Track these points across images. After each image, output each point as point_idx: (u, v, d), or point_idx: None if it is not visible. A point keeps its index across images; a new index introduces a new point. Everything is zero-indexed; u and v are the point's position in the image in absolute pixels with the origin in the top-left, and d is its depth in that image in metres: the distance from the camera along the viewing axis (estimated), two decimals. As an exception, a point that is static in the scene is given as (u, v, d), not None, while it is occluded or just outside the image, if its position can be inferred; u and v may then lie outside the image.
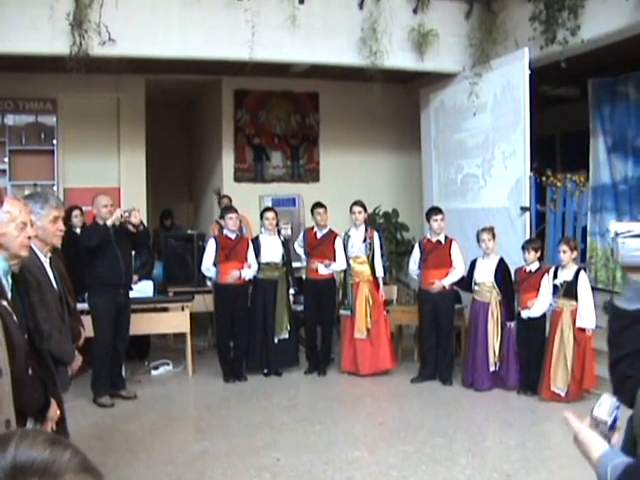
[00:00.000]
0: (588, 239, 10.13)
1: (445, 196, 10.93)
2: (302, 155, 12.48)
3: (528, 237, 9.01)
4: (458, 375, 8.81)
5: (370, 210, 11.92)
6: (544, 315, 8.00)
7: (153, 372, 9.36)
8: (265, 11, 9.39)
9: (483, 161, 10.08)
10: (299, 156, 12.46)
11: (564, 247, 7.74)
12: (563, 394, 7.69)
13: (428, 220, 8.98)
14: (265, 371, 9.15)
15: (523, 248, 8.16)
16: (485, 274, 8.39)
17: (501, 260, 8.41)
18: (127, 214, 7.93)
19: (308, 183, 12.41)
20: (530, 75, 9.28)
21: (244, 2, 9.30)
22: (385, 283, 9.92)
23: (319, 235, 9.31)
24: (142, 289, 9.21)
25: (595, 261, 9.98)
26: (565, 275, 7.74)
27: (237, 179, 12.20)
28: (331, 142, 12.46)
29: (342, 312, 9.26)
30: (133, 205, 9.08)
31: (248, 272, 8.95)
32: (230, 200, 10.85)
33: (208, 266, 9.00)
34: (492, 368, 8.32)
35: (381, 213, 12.28)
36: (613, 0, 8.36)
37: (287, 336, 9.21)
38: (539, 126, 9.70)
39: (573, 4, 8.96)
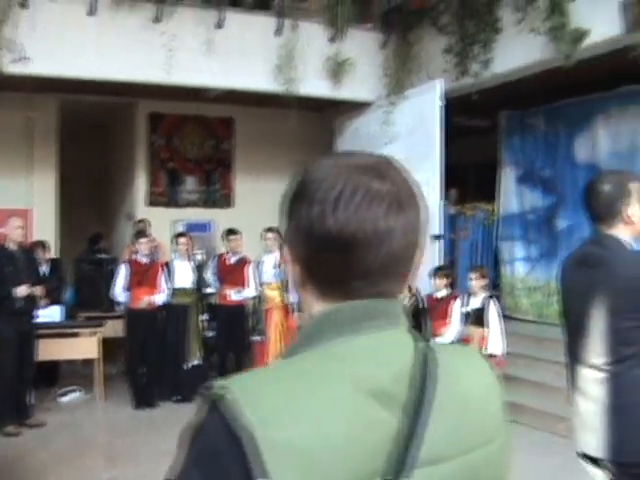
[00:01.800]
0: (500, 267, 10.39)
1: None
2: (216, 180, 12.44)
3: (440, 264, 9.15)
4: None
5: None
6: (455, 341, 8.11)
7: (62, 399, 9.15)
8: (182, 35, 9.40)
9: (396, 190, 10.18)
10: (213, 181, 12.43)
11: (473, 275, 7.89)
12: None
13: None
14: (176, 397, 9.04)
15: (432, 275, 8.28)
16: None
17: (413, 287, 8.48)
18: None
19: (222, 208, 12.37)
20: (443, 106, 9.48)
21: (161, 25, 9.29)
22: (300, 310, 9.90)
23: (231, 261, 9.30)
24: (50, 314, 9.01)
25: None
26: (475, 302, 7.88)
27: (151, 203, 12.08)
28: (246, 168, 12.46)
29: (254, 338, 9.24)
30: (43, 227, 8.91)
31: (160, 297, 8.86)
32: (147, 225, 10.73)
33: (119, 291, 8.89)
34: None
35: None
36: (524, 36, 8.63)
37: (198, 362, 9.13)
38: (452, 156, 9.91)
39: (486, 38, 9.23)
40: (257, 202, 12.08)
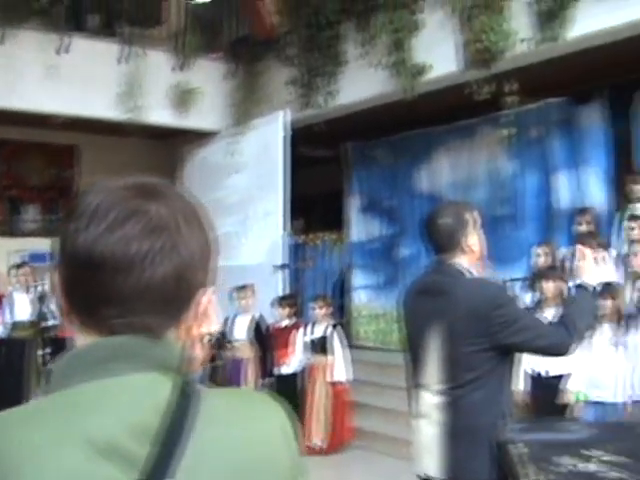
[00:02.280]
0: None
1: (206, 254, 10.90)
2: (59, 209, 12.08)
3: (284, 294, 9.20)
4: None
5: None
6: (300, 370, 8.15)
7: None
8: (25, 59, 9.13)
9: (242, 219, 10.22)
10: (56, 210, 12.06)
11: (316, 304, 7.97)
12: (320, 448, 7.83)
13: None
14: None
15: (276, 304, 8.31)
16: (242, 331, 8.44)
17: (259, 316, 8.50)
18: None
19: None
20: (288, 137, 9.57)
21: (3, 48, 9.01)
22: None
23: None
24: None
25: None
26: (318, 331, 7.95)
27: (-11, 233, 11.62)
28: (91, 196, 12.13)
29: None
30: None
31: (-3, 330, 8.52)
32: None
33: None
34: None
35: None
36: (367, 69, 8.85)
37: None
38: (299, 186, 10.01)
39: (330, 71, 9.40)
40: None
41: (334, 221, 11.83)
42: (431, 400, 3.18)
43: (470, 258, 3.25)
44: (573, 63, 7.50)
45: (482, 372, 3.07)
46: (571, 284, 6.46)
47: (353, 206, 11.28)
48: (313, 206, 12.29)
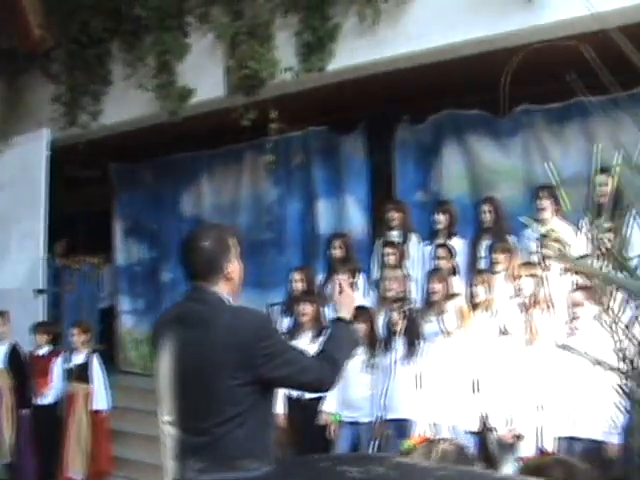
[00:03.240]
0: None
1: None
2: None
3: (43, 320, 8.83)
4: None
5: None
6: (58, 400, 7.84)
7: None
8: None
9: (-1, 240, 9.74)
10: None
11: (75, 330, 7.71)
12: (79, 478, 7.55)
13: None
14: None
15: (33, 331, 7.96)
16: (-2, 359, 8.03)
17: (14, 345, 8.08)
18: None
19: None
20: (51, 155, 9.24)
21: None
22: None
23: None
24: None
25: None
26: (78, 358, 7.69)
27: None
28: None
29: None
30: None
31: None
32: None
33: None
34: (6, 460, 7.89)
35: None
36: (133, 90, 8.73)
37: None
38: (64, 206, 9.67)
39: (95, 90, 9.19)
40: None
41: (103, 244, 11.55)
42: (185, 440, 2.95)
43: (230, 286, 3.09)
44: (334, 93, 7.77)
45: (245, 407, 2.88)
46: (327, 310, 6.68)
47: (118, 229, 11.06)
48: (79, 228, 11.93)
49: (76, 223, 11.97)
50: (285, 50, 7.60)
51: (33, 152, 9.33)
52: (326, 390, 3.25)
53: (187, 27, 8.41)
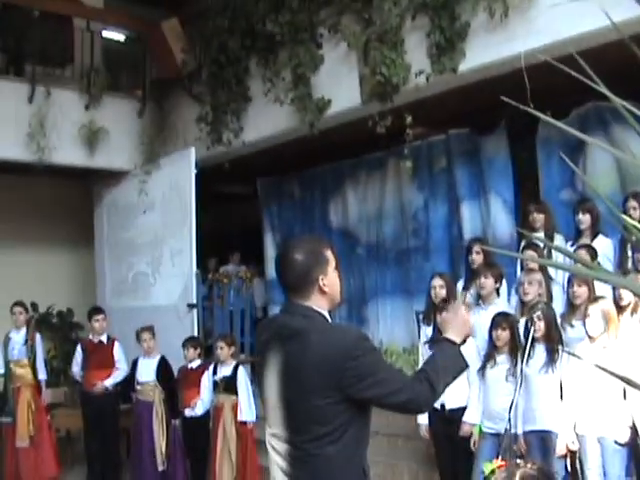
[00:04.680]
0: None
1: (117, 294, 10.78)
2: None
3: (196, 333, 9.09)
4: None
5: (43, 310, 11.53)
6: (208, 412, 8.01)
7: None
8: None
9: (152, 259, 10.10)
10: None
11: (221, 343, 7.84)
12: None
13: (89, 320, 8.79)
14: None
15: (183, 346, 8.18)
16: (147, 373, 8.30)
17: (162, 358, 8.36)
18: None
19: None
20: (199, 174, 9.50)
21: None
22: (57, 385, 9.61)
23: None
24: None
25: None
26: (224, 371, 7.83)
27: None
28: (4, 238, 11.87)
29: (2, 420, 8.73)
30: None
31: None
32: None
33: None
34: (160, 467, 8.18)
35: (55, 312, 11.84)
36: (271, 105, 8.85)
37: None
38: (215, 223, 9.94)
39: (236, 108, 9.39)
40: (13, 275, 11.54)
41: (256, 257, 11.81)
42: (284, 453, 2.93)
43: (327, 300, 3.00)
44: (471, 94, 7.57)
45: (336, 425, 2.82)
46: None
47: (269, 242, 11.24)
48: (231, 242, 12.23)
49: (230, 238, 12.27)
50: (416, 54, 7.48)
51: (181, 171, 9.63)
52: (420, 412, 3.11)
53: (319, 39, 8.44)
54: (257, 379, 3.20)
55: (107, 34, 11.11)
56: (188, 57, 9.86)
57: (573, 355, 5.76)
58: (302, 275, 2.94)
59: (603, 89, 1.50)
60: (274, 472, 3.03)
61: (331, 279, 2.99)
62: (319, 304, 2.97)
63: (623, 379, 1.75)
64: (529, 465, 2.24)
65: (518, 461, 2.28)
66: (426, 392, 2.90)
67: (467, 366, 3.09)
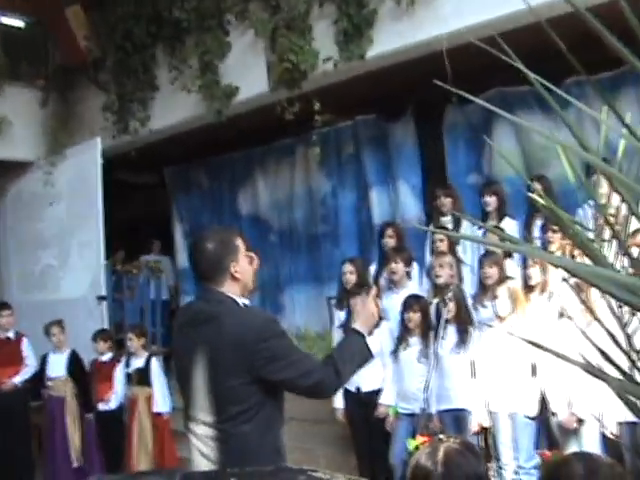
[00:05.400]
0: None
1: (25, 289, 10.52)
2: None
3: (107, 326, 8.96)
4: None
5: None
6: (122, 405, 7.91)
7: None
8: None
9: (60, 251, 9.89)
10: None
11: (131, 335, 7.76)
12: None
13: None
14: None
15: (93, 339, 8.05)
16: (58, 368, 8.13)
17: (73, 352, 8.21)
18: None
19: None
20: (106, 164, 9.34)
21: None
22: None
23: None
24: None
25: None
26: (137, 363, 7.74)
27: None
28: None
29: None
30: None
31: None
32: None
33: None
34: (75, 464, 8.05)
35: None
36: (179, 93, 8.74)
37: None
38: (123, 213, 9.77)
39: (143, 96, 9.26)
40: None
41: (166, 247, 11.68)
42: (202, 433, 3.05)
43: (239, 286, 3.15)
44: (378, 81, 7.64)
45: (250, 405, 2.97)
46: (381, 302, 6.56)
47: (178, 231, 11.13)
48: (140, 233, 12.06)
49: (139, 228, 12.10)
50: (324, 41, 7.51)
51: (87, 162, 9.46)
52: (326, 396, 3.25)
53: (227, 26, 8.39)
54: (174, 364, 3.31)
55: (6, 20, 10.75)
56: (92, 44, 9.63)
57: (487, 325, 5.86)
58: (214, 263, 3.10)
59: (519, 65, 1.55)
60: (195, 457, 3.13)
61: (242, 266, 3.15)
62: (232, 290, 3.11)
63: (535, 344, 1.82)
64: (452, 440, 2.31)
65: (441, 436, 2.34)
66: (333, 377, 3.04)
67: (372, 357, 3.25)
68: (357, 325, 3.22)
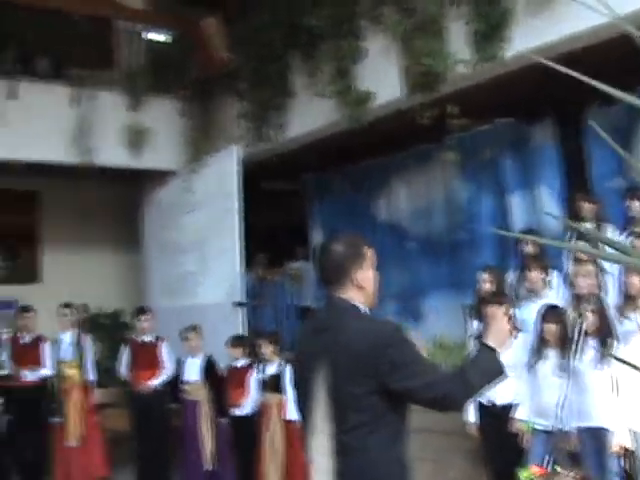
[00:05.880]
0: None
1: (166, 294, 10.78)
2: (20, 255, 11.92)
3: (244, 332, 9.06)
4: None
5: (94, 310, 11.61)
6: (255, 411, 7.96)
7: None
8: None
9: (199, 258, 10.09)
10: (17, 256, 11.90)
11: (264, 342, 7.80)
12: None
13: (136, 320, 8.82)
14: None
15: (228, 345, 8.14)
16: (193, 373, 8.29)
17: (208, 358, 8.35)
18: None
19: (27, 284, 11.81)
20: (245, 171, 9.47)
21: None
22: (107, 386, 9.67)
23: (24, 340, 8.86)
24: None
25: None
26: (270, 369, 7.77)
27: (-50, 281, 11.46)
28: (54, 241, 11.98)
29: (52, 420, 8.80)
30: None
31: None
32: None
33: None
34: (208, 467, 8.17)
35: (105, 313, 11.89)
36: (314, 100, 8.75)
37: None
38: (262, 220, 9.86)
39: (279, 104, 9.32)
40: (66, 276, 11.65)
41: (305, 254, 11.71)
42: (320, 446, 2.87)
43: (362, 295, 3.02)
44: (516, 82, 7.37)
45: (372, 415, 2.83)
46: (517, 312, 6.31)
47: (316, 238, 11.14)
48: (279, 240, 12.15)
49: (276, 235, 12.19)
50: (458, 42, 7.31)
51: (225, 169, 9.61)
52: (452, 410, 3.03)
53: (361, 31, 8.31)
54: (293, 373, 3.26)
55: (150, 35, 11.13)
56: (229, 55, 9.79)
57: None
58: (338, 266, 3.00)
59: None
60: (315, 468, 2.93)
61: (366, 275, 3.03)
62: (355, 297, 3.00)
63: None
64: (571, 474, 2.10)
65: (558, 469, 2.14)
66: (461, 390, 2.87)
67: (504, 374, 3.00)
68: (490, 341, 3.02)
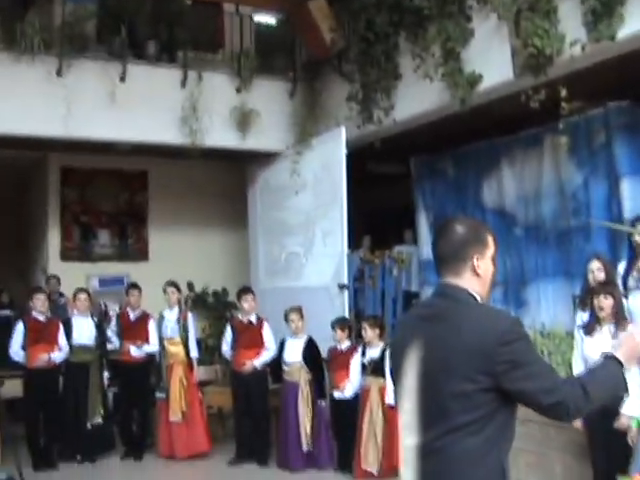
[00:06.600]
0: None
1: (270, 275, 10.89)
2: (130, 234, 12.24)
3: (347, 314, 9.05)
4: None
5: (199, 289, 11.82)
6: (356, 394, 7.95)
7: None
8: (83, 88, 9.36)
9: (304, 239, 10.13)
10: (127, 235, 12.22)
11: (367, 324, 7.77)
12: (375, 472, 7.63)
13: (239, 300, 8.91)
14: (78, 457, 8.73)
15: (332, 327, 8.15)
16: (294, 354, 8.34)
17: (309, 339, 8.39)
18: None
19: (137, 262, 12.12)
20: (351, 153, 9.44)
21: (63, 78, 9.22)
22: (211, 363, 9.85)
23: (132, 317, 9.09)
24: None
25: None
26: (372, 353, 7.74)
27: (64, 258, 11.83)
28: (161, 220, 12.26)
29: (157, 395, 9.02)
30: None
31: (58, 355, 8.60)
32: (58, 281, 10.58)
33: (16, 350, 8.58)
34: (305, 447, 8.23)
35: (210, 292, 12.10)
36: (421, 82, 8.63)
37: (101, 421, 8.86)
38: (369, 202, 9.81)
39: (386, 85, 9.23)
40: (172, 255, 11.90)
41: (409, 238, 11.61)
42: (414, 446, 2.71)
43: (479, 284, 2.78)
44: (631, 63, 7.09)
45: (480, 415, 2.59)
46: (627, 302, 6.06)
47: (422, 222, 11.01)
48: (385, 222, 12.07)
49: (382, 218, 12.11)
50: (570, 22, 7.07)
51: (331, 151, 9.61)
52: (565, 420, 2.78)
53: (469, 11, 8.15)
54: (390, 360, 3.01)
55: (257, 18, 11.20)
56: (336, 36, 9.76)
57: None
58: (458, 249, 2.76)
59: None
60: (402, 467, 2.80)
61: (486, 263, 2.79)
62: (472, 286, 2.76)
63: None
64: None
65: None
66: (579, 400, 2.61)
67: (627, 392, 2.79)
68: (619, 354, 2.73)
